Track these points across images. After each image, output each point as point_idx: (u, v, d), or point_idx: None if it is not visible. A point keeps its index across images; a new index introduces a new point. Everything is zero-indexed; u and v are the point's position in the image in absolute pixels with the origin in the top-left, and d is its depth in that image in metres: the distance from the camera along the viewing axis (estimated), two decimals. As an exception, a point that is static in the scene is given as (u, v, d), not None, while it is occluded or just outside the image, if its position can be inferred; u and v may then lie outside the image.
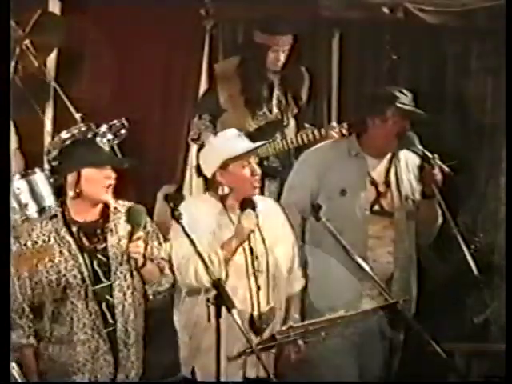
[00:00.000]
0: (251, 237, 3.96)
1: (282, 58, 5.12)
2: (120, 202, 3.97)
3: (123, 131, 5.37)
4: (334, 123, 5.10)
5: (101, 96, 5.94)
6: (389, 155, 4.43)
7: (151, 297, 3.99)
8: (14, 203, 4.84)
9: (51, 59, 5.97)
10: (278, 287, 4.10)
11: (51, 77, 5.90)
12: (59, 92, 5.72)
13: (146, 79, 5.92)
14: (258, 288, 4.00)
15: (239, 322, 3.43)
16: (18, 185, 4.90)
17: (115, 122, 5.35)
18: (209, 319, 3.72)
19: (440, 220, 4.33)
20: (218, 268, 3.88)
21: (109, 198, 3.89)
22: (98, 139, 4.00)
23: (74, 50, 5.97)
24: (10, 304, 3.54)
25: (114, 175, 3.88)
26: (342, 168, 4.41)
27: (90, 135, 5.12)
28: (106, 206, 3.92)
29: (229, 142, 4.04)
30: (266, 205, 4.12)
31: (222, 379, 3.56)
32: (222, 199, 4.02)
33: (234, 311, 3.42)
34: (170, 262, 4.03)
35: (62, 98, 5.69)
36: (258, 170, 4.03)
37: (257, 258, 4.00)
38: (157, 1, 5.72)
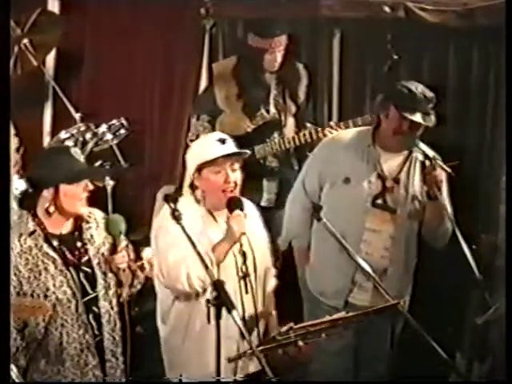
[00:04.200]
0: (242, 239, 3.94)
1: (279, 58, 5.13)
2: (89, 209, 3.91)
3: (122, 131, 5.38)
4: (332, 122, 5.09)
5: (100, 96, 5.94)
6: (406, 152, 4.41)
7: (122, 300, 3.90)
8: (12, 203, 4.82)
9: (50, 58, 5.96)
10: (263, 289, 4.09)
11: (50, 76, 5.89)
12: (58, 91, 5.70)
13: (146, 79, 5.90)
14: (246, 292, 3.98)
15: (240, 323, 3.40)
16: (17, 185, 4.89)
17: (114, 121, 5.36)
18: (209, 320, 3.69)
19: (448, 224, 4.31)
20: (211, 270, 3.85)
21: (86, 209, 3.84)
22: (72, 150, 3.88)
23: (73, 49, 5.96)
24: (9, 303, 3.47)
25: (91, 187, 3.82)
26: (351, 157, 4.41)
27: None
28: (78, 216, 3.86)
29: (206, 146, 4.00)
30: (248, 206, 4.10)
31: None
32: (199, 201, 3.99)
33: (235, 312, 3.40)
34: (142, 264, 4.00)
35: (61, 98, 5.68)
36: (233, 178, 3.96)
37: (245, 261, 3.98)
38: (156, 0, 5.70)
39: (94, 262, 3.83)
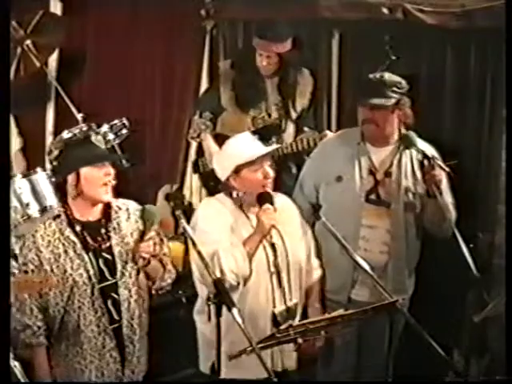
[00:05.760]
0: (272, 233, 4.00)
1: (276, 62, 5.12)
2: (120, 200, 4.00)
3: (124, 131, 5.39)
4: (327, 131, 5.11)
5: (102, 96, 5.97)
6: (395, 145, 4.45)
7: (154, 292, 4.05)
8: (15, 203, 4.85)
9: (52, 59, 5.99)
10: (300, 282, 4.14)
11: (52, 77, 5.92)
12: (61, 92, 5.73)
13: (147, 79, 5.93)
14: (280, 286, 4.03)
15: (239, 321, 3.45)
16: (20, 184, 4.92)
17: (116, 121, 5.37)
18: (209, 318, 3.73)
19: (449, 218, 4.35)
20: (243, 264, 3.92)
21: (108, 196, 3.91)
22: (93, 138, 3.99)
23: (76, 50, 5.99)
24: (10, 303, 3.56)
25: (113, 172, 3.90)
26: (342, 155, 4.45)
27: (90, 135, 5.14)
28: (107, 205, 3.95)
29: (242, 146, 4.06)
30: (280, 200, 4.16)
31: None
32: (236, 200, 4.06)
33: (235, 310, 3.45)
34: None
35: (63, 98, 5.70)
36: (271, 173, 4.05)
37: (277, 255, 4.03)
38: (157, 1, 5.72)
39: (116, 249, 3.91)
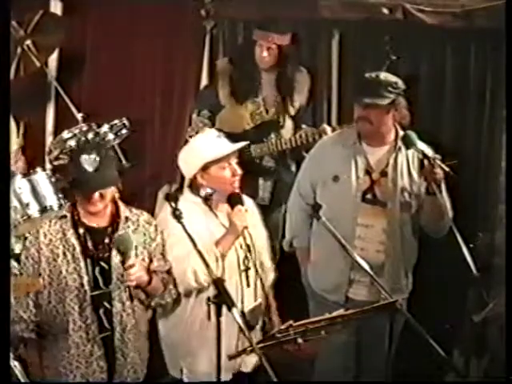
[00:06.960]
0: (244, 233, 4.01)
1: (276, 54, 5.13)
2: (133, 210, 3.98)
3: (124, 131, 5.38)
4: (325, 125, 5.11)
5: (102, 96, 5.96)
6: (391, 145, 4.46)
7: (152, 308, 4.02)
8: (15, 202, 4.85)
9: (52, 59, 5.98)
10: (264, 281, 4.15)
11: (52, 77, 5.91)
12: (61, 92, 5.73)
13: (147, 79, 5.92)
14: (248, 285, 4.03)
15: (240, 320, 3.45)
16: (20, 184, 4.92)
17: (116, 121, 5.37)
18: (209, 318, 3.74)
19: (447, 216, 4.35)
20: (215, 265, 3.92)
21: (100, 206, 3.86)
22: (83, 157, 3.86)
23: (76, 50, 5.99)
24: (10, 303, 3.55)
25: (106, 195, 3.84)
26: (338, 155, 4.46)
27: (91, 135, 5.14)
28: (117, 214, 3.93)
29: (209, 143, 4.06)
30: (247, 202, 4.17)
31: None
32: (205, 199, 4.06)
33: (235, 310, 3.45)
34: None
35: (63, 98, 5.70)
36: (239, 171, 4.06)
37: (247, 255, 4.04)
38: (157, 1, 5.72)
39: (114, 261, 3.87)
